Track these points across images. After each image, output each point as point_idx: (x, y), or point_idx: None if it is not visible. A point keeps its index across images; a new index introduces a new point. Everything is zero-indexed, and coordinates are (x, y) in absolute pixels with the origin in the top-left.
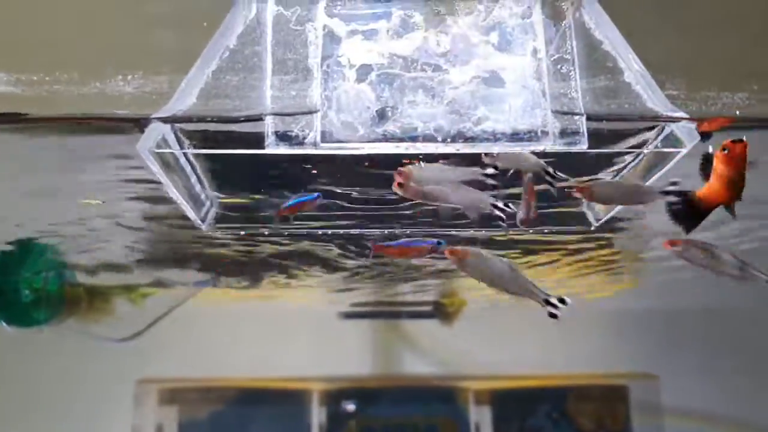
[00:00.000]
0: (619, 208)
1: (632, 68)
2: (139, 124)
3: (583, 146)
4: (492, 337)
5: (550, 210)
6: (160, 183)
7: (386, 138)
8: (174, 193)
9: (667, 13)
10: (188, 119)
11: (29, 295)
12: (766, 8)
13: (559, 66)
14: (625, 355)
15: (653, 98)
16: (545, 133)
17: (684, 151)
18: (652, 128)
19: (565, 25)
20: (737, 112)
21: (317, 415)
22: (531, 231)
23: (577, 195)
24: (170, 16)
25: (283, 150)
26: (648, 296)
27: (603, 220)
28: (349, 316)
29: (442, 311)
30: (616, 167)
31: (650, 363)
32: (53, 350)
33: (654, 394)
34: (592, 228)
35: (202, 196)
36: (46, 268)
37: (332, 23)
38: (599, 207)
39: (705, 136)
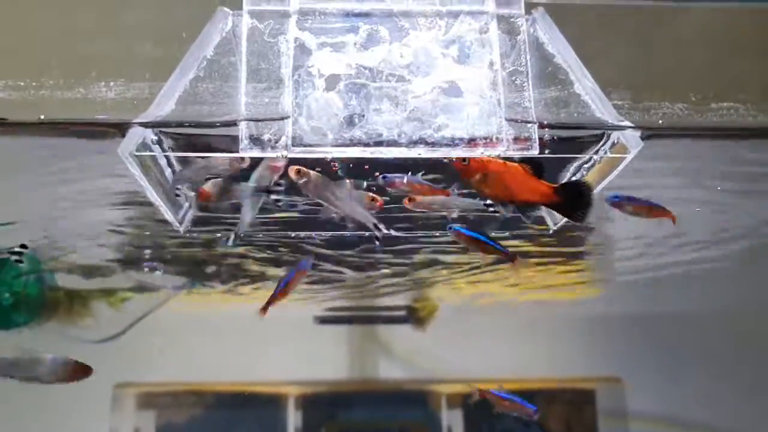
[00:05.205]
0: None
1: (582, 80)
2: (120, 128)
3: (534, 152)
4: (463, 342)
5: (510, 214)
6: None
7: (353, 143)
8: (153, 196)
9: (614, 31)
10: (167, 124)
11: (9, 298)
12: (700, 26)
13: (513, 78)
14: (593, 359)
15: (601, 108)
16: (500, 140)
17: (629, 156)
18: (600, 136)
19: (519, 40)
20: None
21: (293, 420)
22: (492, 234)
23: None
24: (151, 27)
25: (257, 153)
26: (615, 301)
27: (560, 223)
28: (324, 321)
29: (414, 316)
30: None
31: (617, 367)
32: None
33: (620, 399)
34: (551, 231)
35: (181, 198)
36: (26, 271)
37: (303, 36)
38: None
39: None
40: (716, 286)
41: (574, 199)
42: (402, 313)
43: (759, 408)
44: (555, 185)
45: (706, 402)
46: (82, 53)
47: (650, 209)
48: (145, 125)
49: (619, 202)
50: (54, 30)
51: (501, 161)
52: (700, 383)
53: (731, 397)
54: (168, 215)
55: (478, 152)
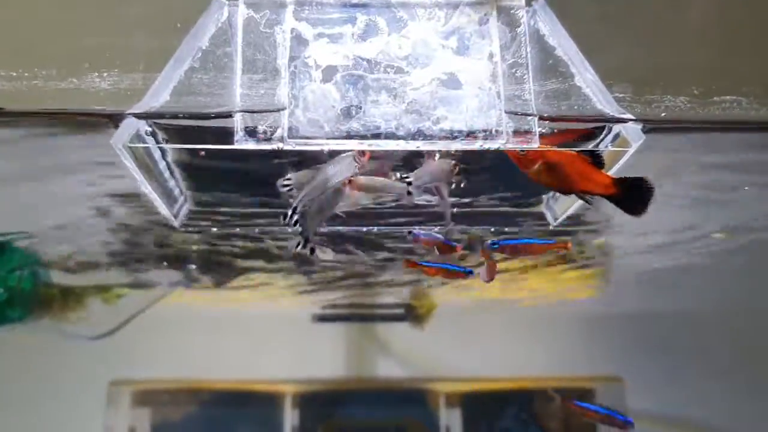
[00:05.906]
0: (576, 206)
1: (583, 73)
2: (114, 119)
3: (534, 145)
4: (462, 340)
5: (510, 209)
6: (134, 180)
7: (350, 135)
8: (148, 189)
9: (615, 23)
10: (161, 115)
11: (3, 294)
12: (703, 19)
13: (513, 70)
14: (592, 358)
15: (602, 101)
16: (499, 132)
17: (631, 150)
18: (602, 129)
19: (520, 32)
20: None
21: (290, 418)
22: (492, 230)
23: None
24: (145, 17)
25: (252, 145)
26: (615, 300)
27: (560, 219)
28: (321, 318)
29: (412, 314)
30: None
31: (616, 366)
32: (26, 350)
33: (619, 397)
34: (551, 227)
35: (176, 192)
36: (21, 266)
37: (300, 27)
38: (557, 207)
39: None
40: (718, 285)
41: (634, 193)
42: (400, 311)
43: (759, 407)
44: (615, 177)
45: (706, 401)
46: (75, 44)
47: (541, 247)
48: (139, 116)
49: (501, 247)
50: (47, 20)
51: (560, 150)
52: (700, 382)
53: (731, 396)
54: (162, 209)
55: (477, 145)
